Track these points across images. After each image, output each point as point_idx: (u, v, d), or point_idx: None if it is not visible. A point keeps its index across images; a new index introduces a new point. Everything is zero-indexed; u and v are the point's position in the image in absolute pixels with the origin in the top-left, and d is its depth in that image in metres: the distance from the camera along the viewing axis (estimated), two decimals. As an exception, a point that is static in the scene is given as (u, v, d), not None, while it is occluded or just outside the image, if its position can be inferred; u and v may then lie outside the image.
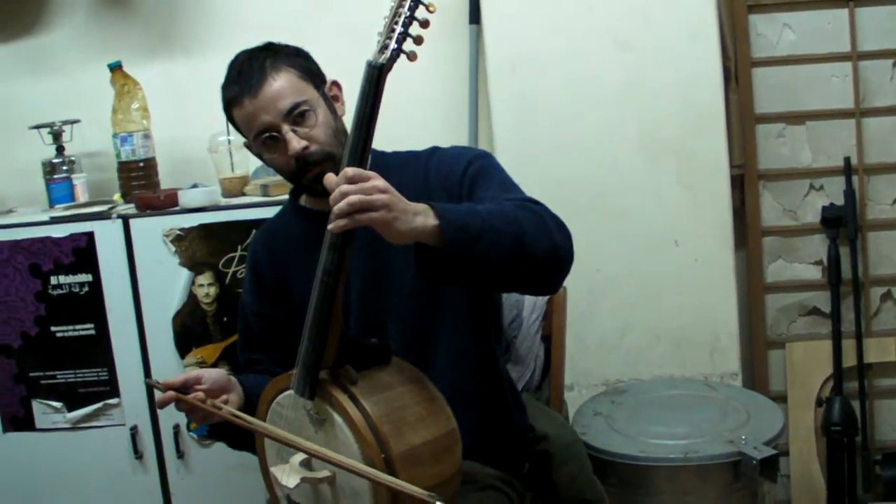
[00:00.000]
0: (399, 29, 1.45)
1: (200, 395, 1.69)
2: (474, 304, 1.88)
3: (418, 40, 1.46)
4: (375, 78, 1.47)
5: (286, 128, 1.79)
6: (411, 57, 1.46)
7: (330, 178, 1.48)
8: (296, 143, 1.78)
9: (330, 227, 1.46)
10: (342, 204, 1.43)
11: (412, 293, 1.84)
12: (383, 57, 1.46)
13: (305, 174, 1.82)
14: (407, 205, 1.48)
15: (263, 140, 1.82)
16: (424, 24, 1.45)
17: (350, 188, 1.43)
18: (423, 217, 1.49)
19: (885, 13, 2.93)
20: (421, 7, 1.45)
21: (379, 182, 1.45)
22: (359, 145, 1.49)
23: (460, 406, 1.67)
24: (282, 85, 1.79)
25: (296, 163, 1.80)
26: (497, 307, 1.98)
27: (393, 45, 1.45)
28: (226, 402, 1.72)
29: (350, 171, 1.45)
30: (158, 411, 2.58)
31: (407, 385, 1.62)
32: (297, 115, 1.79)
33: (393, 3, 1.46)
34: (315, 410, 1.58)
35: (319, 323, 1.55)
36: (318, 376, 1.57)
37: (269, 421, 1.70)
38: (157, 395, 1.71)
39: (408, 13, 1.45)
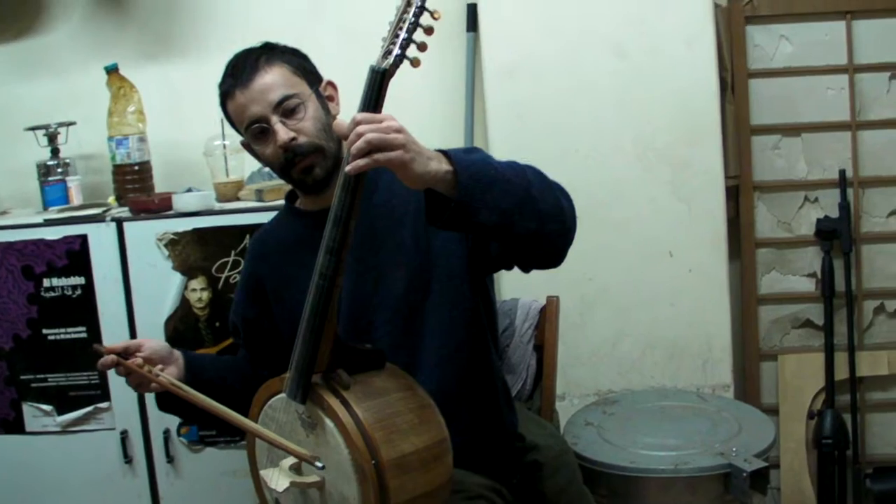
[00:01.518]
0: (403, 35, 1.45)
1: (139, 360, 1.78)
2: (467, 302, 1.86)
3: (422, 47, 1.46)
4: (378, 83, 1.47)
5: (275, 118, 1.81)
6: (414, 63, 1.46)
7: (341, 123, 1.49)
8: (283, 133, 1.80)
9: (347, 168, 1.45)
10: (360, 143, 1.42)
11: (402, 293, 1.84)
12: (387, 62, 1.46)
13: (294, 166, 1.84)
14: (422, 148, 1.48)
15: (254, 132, 1.85)
16: (428, 30, 1.45)
17: (367, 127, 1.43)
18: (436, 162, 1.49)
19: (882, 26, 2.94)
20: (426, 14, 1.45)
21: (394, 122, 1.45)
22: None
23: (449, 406, 1.67)
24: (273, 78, 1.82)
25: (283, 154, 1.82)
26: (492, 303, 1.97)
27: (397, 50, 1.45)
28: (162, 371, 1.81)
29: (360, 115, 1.46)
30: (149, 416, 2.58)
31: (400, 392, 1.61)
32: (286, 108, 1.82)
33: (398, 9, 1.46)
34: (307, 414, 1.58)
35: (314, 326, 1.55)
36: (310, 380, 1.57)
37: (260, 423, 1.70)
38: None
39: (412, 19, 1.45)
